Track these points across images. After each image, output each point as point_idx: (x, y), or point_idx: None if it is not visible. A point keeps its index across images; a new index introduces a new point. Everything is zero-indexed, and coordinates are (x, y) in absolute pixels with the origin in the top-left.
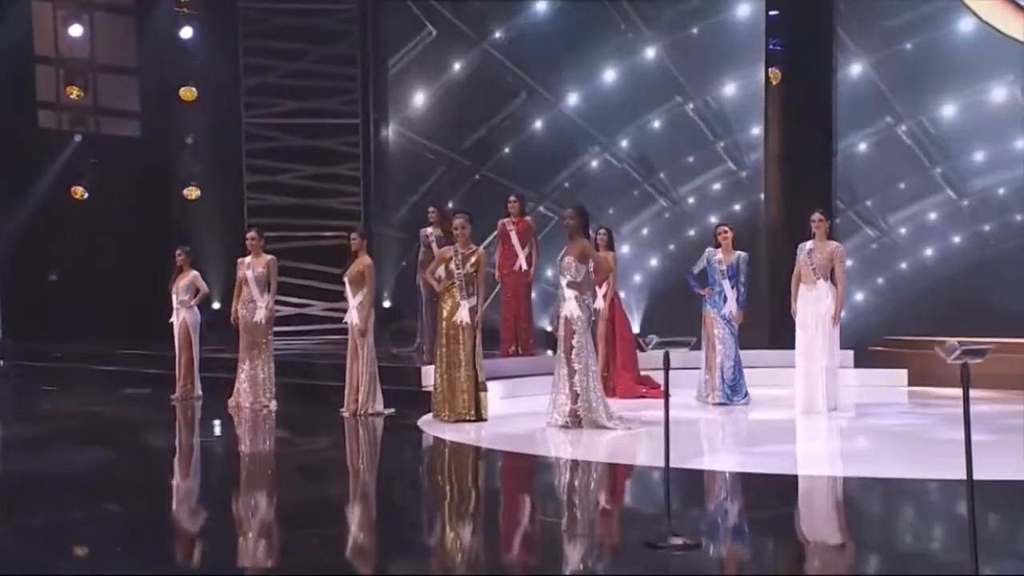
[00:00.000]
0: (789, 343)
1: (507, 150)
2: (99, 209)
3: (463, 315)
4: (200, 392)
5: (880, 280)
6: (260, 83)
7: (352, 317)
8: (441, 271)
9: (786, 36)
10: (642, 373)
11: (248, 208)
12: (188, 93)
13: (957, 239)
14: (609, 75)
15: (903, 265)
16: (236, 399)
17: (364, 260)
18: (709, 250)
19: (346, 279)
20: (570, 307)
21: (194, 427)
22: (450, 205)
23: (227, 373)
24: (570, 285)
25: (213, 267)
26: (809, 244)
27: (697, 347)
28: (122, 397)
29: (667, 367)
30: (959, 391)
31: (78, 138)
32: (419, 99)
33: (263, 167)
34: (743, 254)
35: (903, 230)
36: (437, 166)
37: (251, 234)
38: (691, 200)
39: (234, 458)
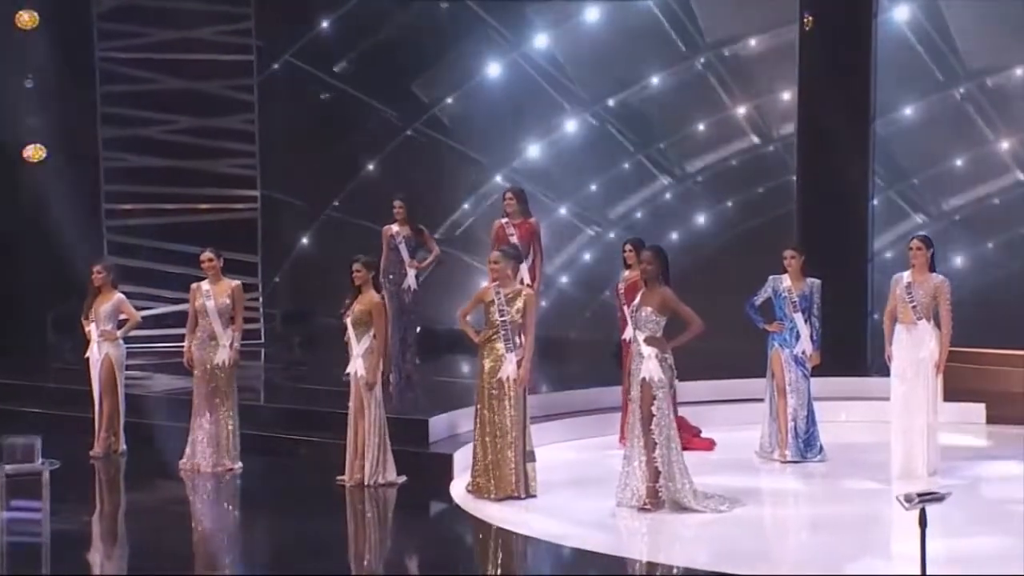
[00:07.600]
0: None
1: (449, 100)
2: None
3: (509, 371)
4: (124, 446)
5: None
6: (119, 6)
7: (357, 367)
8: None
9: None
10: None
11: (104, 172)
12: (30, 19)
13: None
14: (592, 13)
15: (958, 259)
16: (191, 460)
17: (371, 296)
18: (773, 278)
19: (348, 321)
20: (649, 367)
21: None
22: (369, 168)
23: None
24: (648, 341)
25: (64, 254)
26: (906, 276)
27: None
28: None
29: (923, 524)
30: None
31: None
32: (323, 23)
33: (124, 118)
34: (816, 281)
35: (958, 217)
36: (352, 116)
37: (207, 255)
38: (700, 179)
39: None
